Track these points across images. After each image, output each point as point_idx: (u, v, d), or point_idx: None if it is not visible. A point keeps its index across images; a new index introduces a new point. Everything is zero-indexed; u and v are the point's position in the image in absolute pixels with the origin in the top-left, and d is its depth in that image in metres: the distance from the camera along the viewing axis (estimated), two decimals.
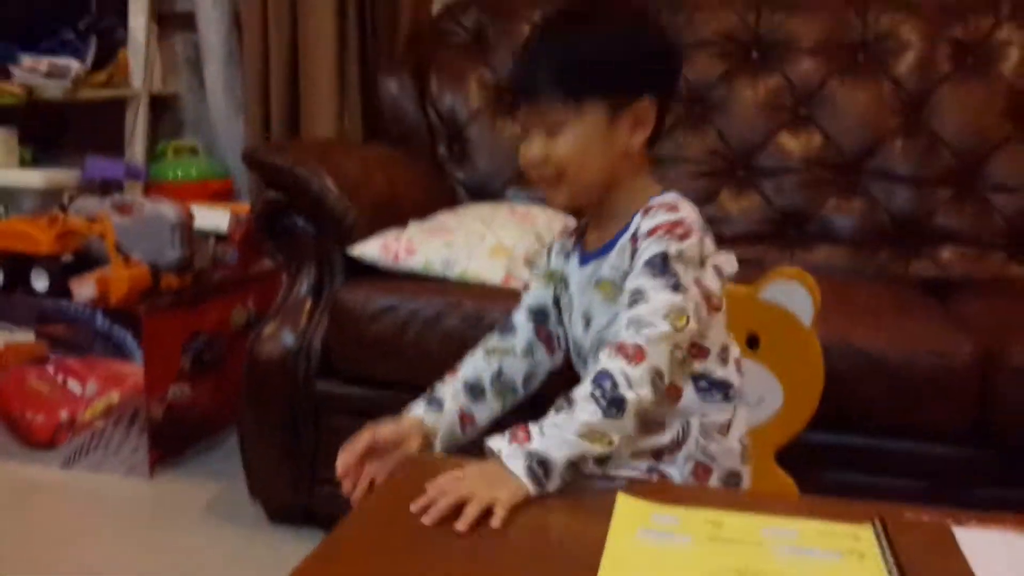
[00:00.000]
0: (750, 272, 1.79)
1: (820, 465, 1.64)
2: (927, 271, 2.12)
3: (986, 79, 2.17)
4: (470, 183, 2.32)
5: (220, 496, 2.08)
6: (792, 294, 1.30)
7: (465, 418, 1.14)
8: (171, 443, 2.24)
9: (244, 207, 2.54)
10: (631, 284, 0.99)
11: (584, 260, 1.09)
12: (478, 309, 1.67)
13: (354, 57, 2.56)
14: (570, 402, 0.94)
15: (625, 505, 0.91)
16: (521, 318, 1.17)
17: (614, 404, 0.93)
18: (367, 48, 2.58)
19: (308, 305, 1.90)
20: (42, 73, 2.60)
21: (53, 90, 2.59)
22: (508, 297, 1.69)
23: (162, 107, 2.95)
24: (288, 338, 1.88)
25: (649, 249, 0.99)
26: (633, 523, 0.87)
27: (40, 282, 2.17)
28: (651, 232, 0.99)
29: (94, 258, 2.21)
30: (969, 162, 2.15)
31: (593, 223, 1.11)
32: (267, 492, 1.95)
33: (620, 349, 0.95)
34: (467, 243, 1.80)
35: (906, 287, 2.02)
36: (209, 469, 2.21)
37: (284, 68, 2.57)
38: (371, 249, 1.81)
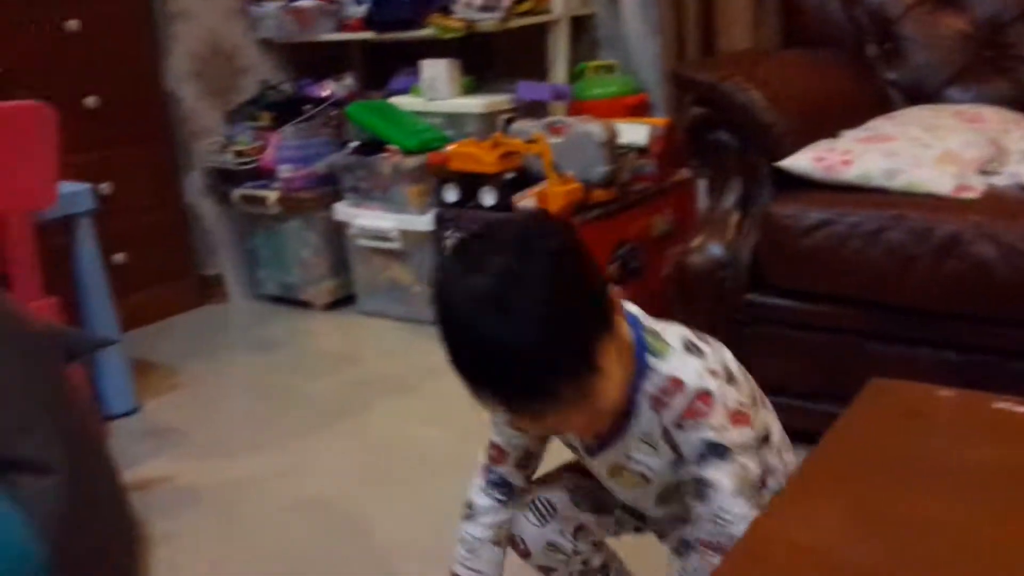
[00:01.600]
0: None
1: None
2: None
3: None
4: (904, 83, 2.18)
5: None
6: None
7: None
8: None
9: (661, 120, 2.62)
10: (693, 475, 0.98)
11: (591, 451, 1.07)
12: (926, 221, 1.59)
13: None
14: None
15: None
16: (497, 493, 1.15)
17: None
18: None
19: (735, 217, 1.93)
20: (477, 7, 2.84)
21: (487, 22, 2.82)
22: (959, 209, 1.60)
23: (580, 28, 3.09)
24: (715, 250, 1.92)
25: (690, 443, 0.97)
26: None
27: (488, 197, 2.42)
28: (680, 425, 0.97)
29: (531, 175, 2.42)
30: None
31: None
32: None
33: (709, 547, 0.97)
34: (911, 151, 1.71)
35: None
36: None
37: None
38: (802, 161, 1.79)
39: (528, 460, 1.14)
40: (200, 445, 2.12)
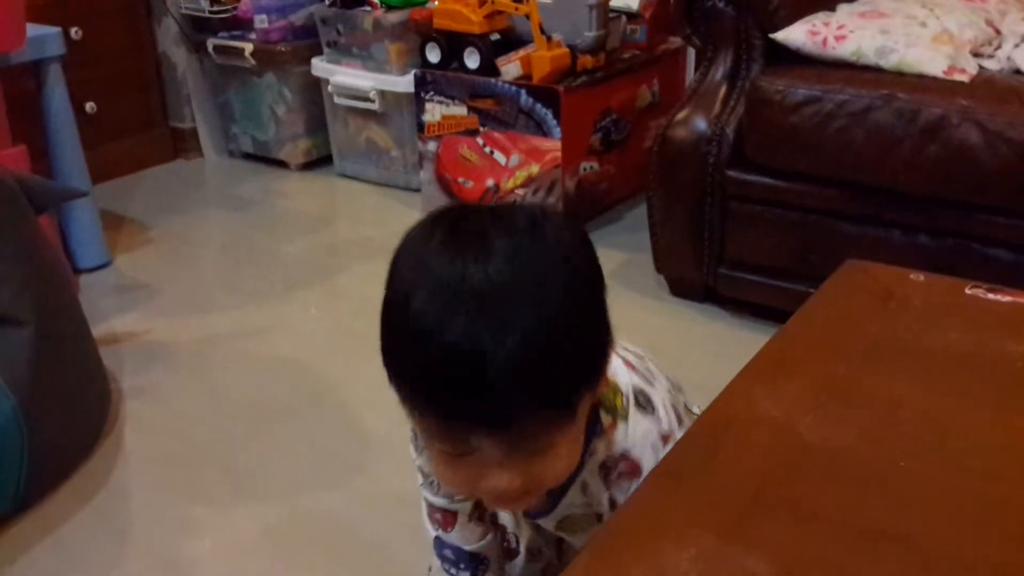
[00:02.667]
0: None
1: None
2: None
3: None
4: None
5: (625, 266, 2.21)
6: None
7: None
8: (580, 214, 2.41)
9: None
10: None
11: (532, 516, 0.92)
12: (914, 103, 1.55)
13: None
14: None
15: None
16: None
17: None
18: None
19: (723, 91, 1.89)
20: None
21: None
22: (948, 91, 1.57)
23: None
24: (701, 124, 1.89)
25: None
26: None
27: (472, 59, 2.34)
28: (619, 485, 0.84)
29: (519, 38, 2.34)
30: None
31: None
32: (671, 268, 2.05)
33: None
34: (906, 29, 1.66)
35: None
36: (613, 240, 2.35)
37: None
38: (796, 34, 1.73)
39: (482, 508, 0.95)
40: (171, 301, 2.11)
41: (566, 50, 2.25)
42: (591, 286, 0.71)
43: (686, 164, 1.91)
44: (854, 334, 0.89)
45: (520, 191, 2.36)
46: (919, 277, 1.00)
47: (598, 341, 0.72)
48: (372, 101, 2.58)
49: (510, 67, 2.29)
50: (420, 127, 2.47)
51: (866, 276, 1.03)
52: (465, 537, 0.96)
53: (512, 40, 2.35)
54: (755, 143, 1.78)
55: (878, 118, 1.59)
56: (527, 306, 0.64)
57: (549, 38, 2.25)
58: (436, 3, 2.43)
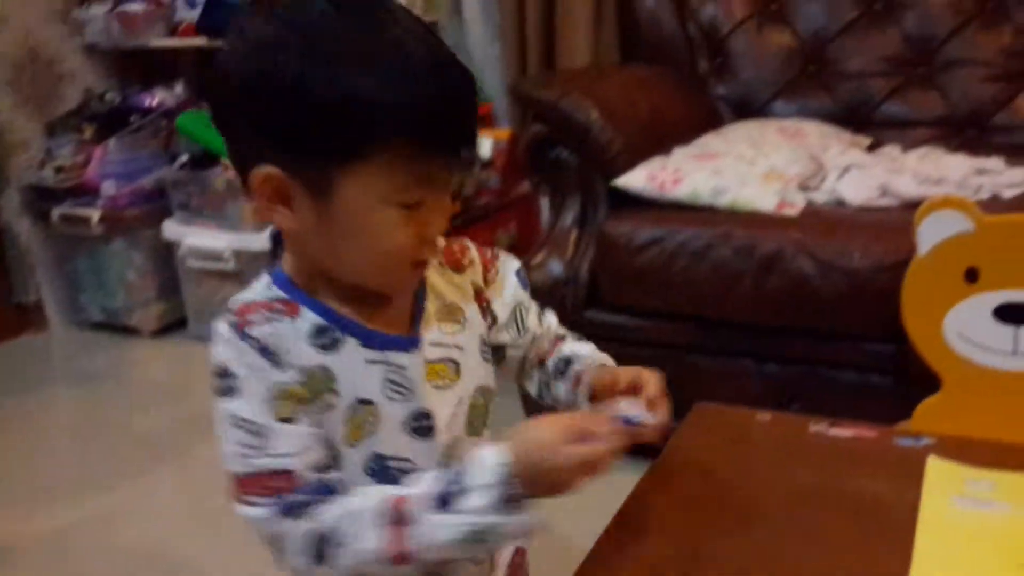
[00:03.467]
0: None
1: None
2: None
3: None
4: (733, 98, 2.24)
5: None
6: None
7: None
8: None
9: (505, 133, 2.60)
10: (529, 313, 0.91)
11: (405, 344, 0.79)
12: (750, 238, 1.62)
13: None
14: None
15: (937, 469, 0.86)
16: None
17: None
18: None
19: (574, 235, 1.93)
20: None
21: None
22: (781, 225, 1.64)
23: None
24: (556, 267, 1.92)
25: (511, 278, 0.89)
26: (947, 490, 0.83)
27: None
28: (490, 280, 0.88)
29: None
30: None
31: (371, 303, 0.78)
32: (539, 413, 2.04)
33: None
34: (736, 169, 1.74)
35: None
36: None
37: None
38: (636, 180, 1.80)
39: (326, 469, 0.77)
40: (17, 492, 1.95)
41: None
42: None
43: (547, 306, 1.92)
44: (707, 485, 0.89)
45: None
46: (765, 417, 1.02)
47: None
48: (227, 261, 2.52)
49: None
50: None
51: (715, 419, 1.03)
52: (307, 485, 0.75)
53: None
54: (608, 284, 1.82)
55: (718, 255, 1.64)
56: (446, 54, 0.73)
57: None
58: None
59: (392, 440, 0.78)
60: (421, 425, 0.79)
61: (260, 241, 2.46)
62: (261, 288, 0.78)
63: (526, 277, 0.92)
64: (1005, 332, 1.26)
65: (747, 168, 1.74)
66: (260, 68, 0.70)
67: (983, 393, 1.29)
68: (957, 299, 1.29)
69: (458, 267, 0.86)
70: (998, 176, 1.73)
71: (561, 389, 0.90)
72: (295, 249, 0.78)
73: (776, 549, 0.78)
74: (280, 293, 0.77)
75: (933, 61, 2.08)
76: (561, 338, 0.93)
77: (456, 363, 0.82)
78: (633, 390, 0.82)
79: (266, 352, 0.73)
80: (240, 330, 0.74)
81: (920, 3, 2.08)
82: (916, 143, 1.99)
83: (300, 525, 0.71)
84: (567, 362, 0.90)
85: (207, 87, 0.79)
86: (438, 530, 0.70)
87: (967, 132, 2.03)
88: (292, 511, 0.72)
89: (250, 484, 0.72)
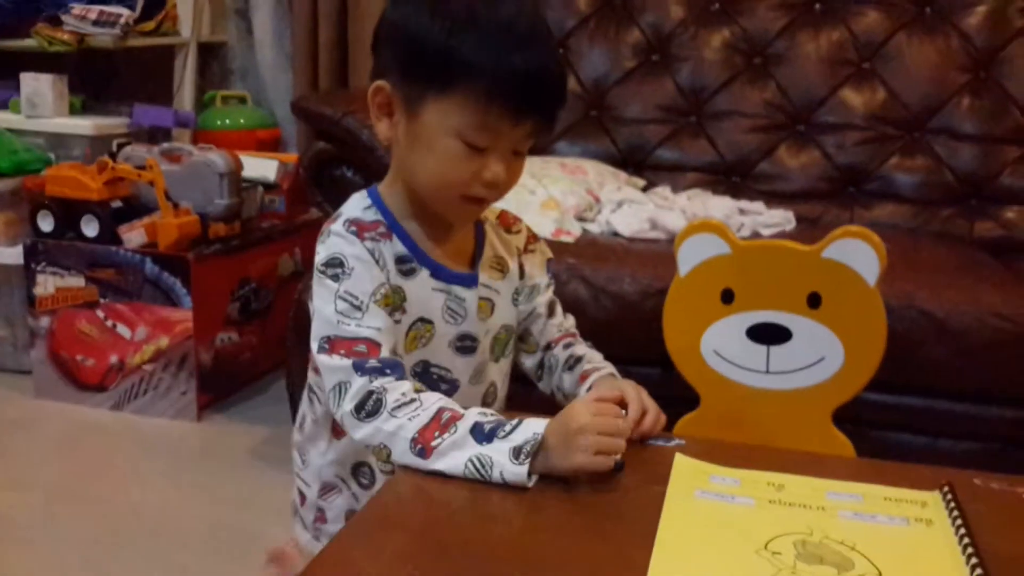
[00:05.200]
0: (810, 229, 1.76)
1: (877, 426, 1.61)
2: (991, 232, 2.05)
3: None
4: None
5: (267, 440, 2.09)
6: (856, 253, 1.24)
7: None
8: (219, 388, 2.26)
9: (292, 156, 2.53)
10: (539, 294, 1.08)
11: (468, 281, 0.99)
12: None
13: None
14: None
15: (683, 465, 0.88)
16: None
17: None
18: None
19: None
20: (92, 21, 2.59)
21: (102, 38, 2.58)
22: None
23: (211, 55, 2.94)
24: None
25: (540, 264, 1.08)
26: (691, 484, 0.85)
27: (90, 228, 2.18)
28: (530, 249, 1.08)
29: (144, 206, 2.22)
30: None
31: (441, 237, 0.99)
32: None
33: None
34: (517, 196, 1.77)
35: (969, 248, 1.96)
36: (256, 414, 2.23)
37: (332, 16, 2.54)
38: None
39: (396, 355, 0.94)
40: None
41: (195, 217, 2.16)
42: None
43: None
44: (458, 481, 0.86)
45: (149, 366, 2.18)
46: None
47: None
48: None
49: (133, 234, 2.15)
50: (31, 301, 2.22)
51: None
52: (387, 359, 0.91)
53: (137, 208, 2.22)
54: None
55: None
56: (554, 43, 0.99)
57: (176, 206, 2.15)
58: (50, 170, 2.26)
59: (440, 353, 0.98)
60: (465, 345, 1.00)
61: (13, 255, 2.26)
62: (361, 209, 0.96)
63: (551, 267, 1.11)
64: (758, 351, 1.32)
65: (528, 196, 1.78)
66: (403, 15, 0.92)
67: (737, 409, 1.33)
68: (713, 319, 1.34)
69: (509, 229, 1.06)
70: (758, 216, 1.86)
71: (567, 381, 1.07)
72: (393, 164, 0.97)
73: (522, 541, 0.76)
74: (378, 216, 0.95)
75: (703, 111, 2.21)
76: (572, 335, 1.11)
77: (492, 303, 1.02)
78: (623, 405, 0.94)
79: (374, 259, 0.92)
80: (356, 238, 0.92)
81: (693, 57, 2.22)
82: (686, 186, 2.11)
83: (369, 383, 0.88)
84: (578, 360, 1.07)
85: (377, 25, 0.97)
86: (462, 447, 0.84)
87: (732, 178, 2.17)
88: (365, 371, 0.88)
89: (341, 344, 0.89)
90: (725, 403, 1.27)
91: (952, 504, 0.82)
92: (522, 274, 1.06)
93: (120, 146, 2.39)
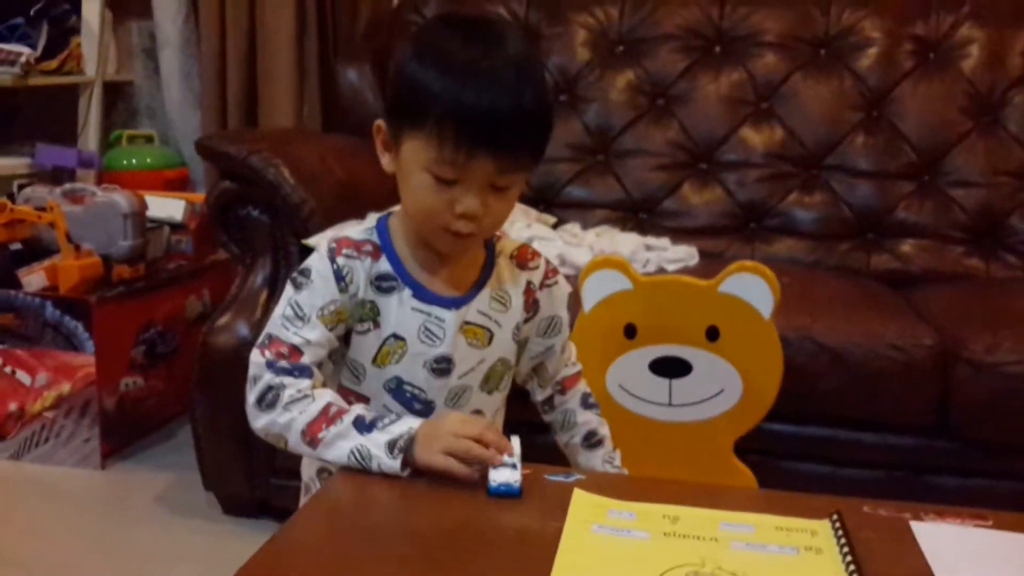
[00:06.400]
0: (712, 264, 1.80)
1: (779, 456, 1.65)
2: (888, 264, 2.12)
3: (947, 76, 2.18)
4: None
5: (173, 488, 2.04)
6: (752, 287, 1.29)
7: None
8: (123, 435, 2.19)
9: (200, 196, 2.49)
10: (558, 334, 1.12)
11: (451, 304, 1.02)
12: None
13: (313, 46, 2.52)
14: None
15: (581, 500, 0.89)
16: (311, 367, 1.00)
17: None
18: (326, 37, 2.55)
19: (263, 296, 1.87)
20: None
21: (2, 76, 2.52)
22: None
23: (116, 95, 2.89)
24: (243, 329, 1.84)
25: (560, 299, 1.11)
26: (588, 518, 0.86)
27: None
28: (546, 285, 1.10)
29: (44, 247, 2.16)
30: (929, 157, 2.16)
31: (434, 262, 1.02)
32: (221, 484, 1.91)
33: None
34: None
35: (867, 280, 2.03)
36: (162, 461, 2.17)
37: (241, 56, 2.52)
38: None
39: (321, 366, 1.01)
40: None
41: (98, 259, 2.10)
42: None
43: (229, 372, 1.81)
44: (351, 524, 0.86)
45: (50, 413, 2.10)
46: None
47: (552, 128, 0.99)
48: None
49: (33, 278, 2.09)
50: None
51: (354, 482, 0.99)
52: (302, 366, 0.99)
53: (37, 250, 2.16)
54: None
55: None
56: (534, 79, 0.97)
57: (78, 247, 2.10)
58: None
59: (413, 371, 1.02)
60: (440, 367, 1.03)
61: None
62: (364, 228, 1.03)
63: (571, 302, 1.16)
64: (660, 384, 1.35)
65: None
66: (399, 57, 0.98)
67: (641, 442, 1.36)
68: (617, 353, 1.37)
69: (523, 266, 1.08)
70: (663, 252, 1.90)
71: (585, 457, 1.16)
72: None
73: (438, 552, 0.77)
74: (373, 238, 1.02)
75: (610, 150, 2.26)
76: (579, 375, 1.17)
77: (491, 334, 1.05)
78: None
79: (339, 276, 0.99)
80: (331, 254, 1.00)
81: (599, 98, 2.27)
82: (595, 223, 2.14)
83: (272, 379, 0.96)
84: (599, 442, 1.16)
85: None
86: (346, 438, 0.93)
87: (640, 214, 2.21)
88: (275, 369, 0.97)
89: (273, 344, 0.98)
90: (630, 437, 1.29)
91: (840, 532, 0.84)
92: (536, 309, 1.09)
93: (21, 187, 2.33)
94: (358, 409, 0.96)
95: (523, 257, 1.09)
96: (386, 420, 0.94)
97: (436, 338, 1.02)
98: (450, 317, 1.02)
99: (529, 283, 1.08)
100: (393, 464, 0.90)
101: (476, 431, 0.92)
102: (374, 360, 1.03)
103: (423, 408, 1.04)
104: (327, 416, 0.95)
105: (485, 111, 0.91)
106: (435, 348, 1.02)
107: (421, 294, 1.02)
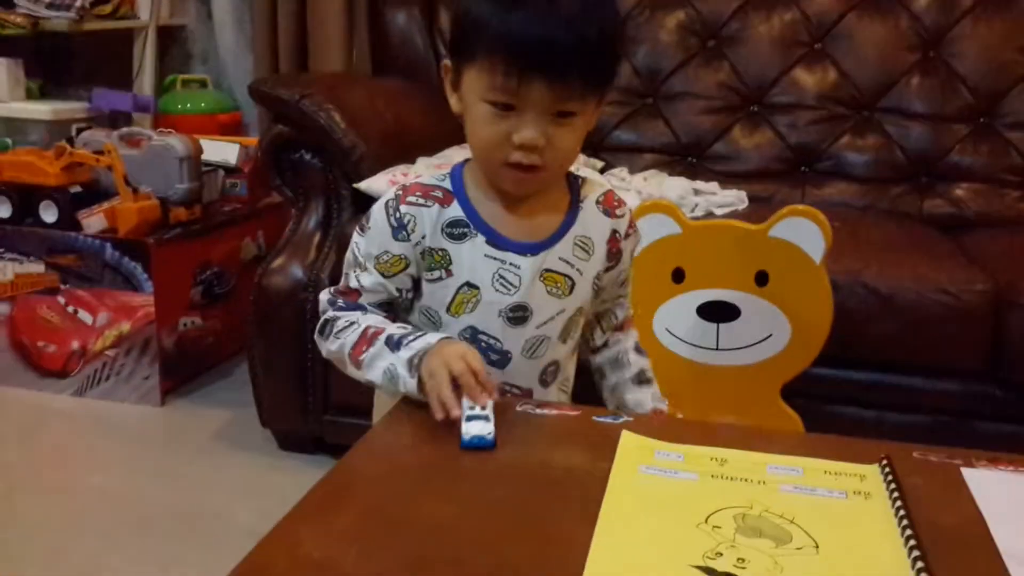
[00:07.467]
0: (762, 209, 1.79)
1: (826, 400, 1.65)
2: (940, 209, 2.10)
3: (1007, 15, 2.12)
4: None
5: (231, 424, 2.10)
6: (803, 231, 1.29)
7: None
8: (182, 372, 2.26)
9: (253, 140, 2.52)
10: (621, 280, 1.11)
11: (527, 250, 1.00)
12: None
13: None
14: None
15: (629, 441, 0.91)
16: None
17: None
18: None
19: (317, 239, 1.90)
20: (45, 4, 2.56)
21: (58, 21, 2.56)
22: None
23: (170, 39, 2.91)
24: (297, 271, 1.88)
25: (628, 249, 1.09)
26: (636, 459, 0.87)
27: (49, 214, 2.17)
28: (628, 235, 1.08)
29: (103, 190, 2.21)
30: (986, 99, 2.12)
31: (511, 207, 1.00)
32: (277, 421, 1.97)
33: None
34: None
35: (919, 225, 2.01)
36: (220, 398, 2.24)
37: (292, 0, 2.53)
38: (378, 184, 1.80)
39: (390, 308, 1.04)
40: None
41: (156, 202, 2.15)
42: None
43: (284, 313, 1.87)
44: (408, 460, 0.89)
45: (111, 351, 2.17)
46: None
47: (618, 58, 0.97)
48: None
49: (93, 220, 2.14)
50: None
51: (416, 413, 1.02)
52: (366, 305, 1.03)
53: (96, 193, 2.21)
54: None
55: None
56: (593, 4, 0.93)
57: (136, 190, 2.14)
58: (5, 155, 2.24)
59: (487, 321, 1.01)
60: (516, 315, 1.01)
61: None
62: (439, 173, 1.02)
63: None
64: (708, 329, 1.36)
65: None
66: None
67: (687, 385, 1.37)
68: (665, 297, 1.38)
69: (610, 214, 1.05)
70: (712, 196, 1.89)
71: (631, 391, 1.14)
72: None
73: (468, 519, 0.78)
74: (446, 184, 1.00)
75: (659, 93, 2.24)
76: (631, 321, 1.16)
77: (573, 283, 1.02)
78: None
79: (399, 225, 0.98)
80: (396, 201, 0.99)
81: (648, 39, 2.24)
82: (643, 167, 2.14)
83: (330, 314, 1.02)
84: (647, 379, 1.14)
85: None
86: (381, 357, 0.96)
87: (688, 158, 2.20)
88: (335, 306, 1.02)
89: (343, 285, 1.03)
90: (677, 381, 1.31)
91: (890, 477, 0.84)
92: (619, 260, 1.07)
93: (79, 131, 2.37)
94: (392, 327, 0.98)
95: (610, 203, 1.06)
96: (411, 336, 0.95)
97: (511, 286, 1.00)
98: (527, 264, 0.99)
99: (615, 232, 1.05)
100: (412, 384, 0.92)
101: (479, 366, 0.91)
102: (448, 309, 1.01)
103: (499, 359, 1.02)
104: (366, 337, 0.97)
105: (535, 33, 0.90)
106: (510, 296, 1.00)
107: (495, 240, 0.99)
